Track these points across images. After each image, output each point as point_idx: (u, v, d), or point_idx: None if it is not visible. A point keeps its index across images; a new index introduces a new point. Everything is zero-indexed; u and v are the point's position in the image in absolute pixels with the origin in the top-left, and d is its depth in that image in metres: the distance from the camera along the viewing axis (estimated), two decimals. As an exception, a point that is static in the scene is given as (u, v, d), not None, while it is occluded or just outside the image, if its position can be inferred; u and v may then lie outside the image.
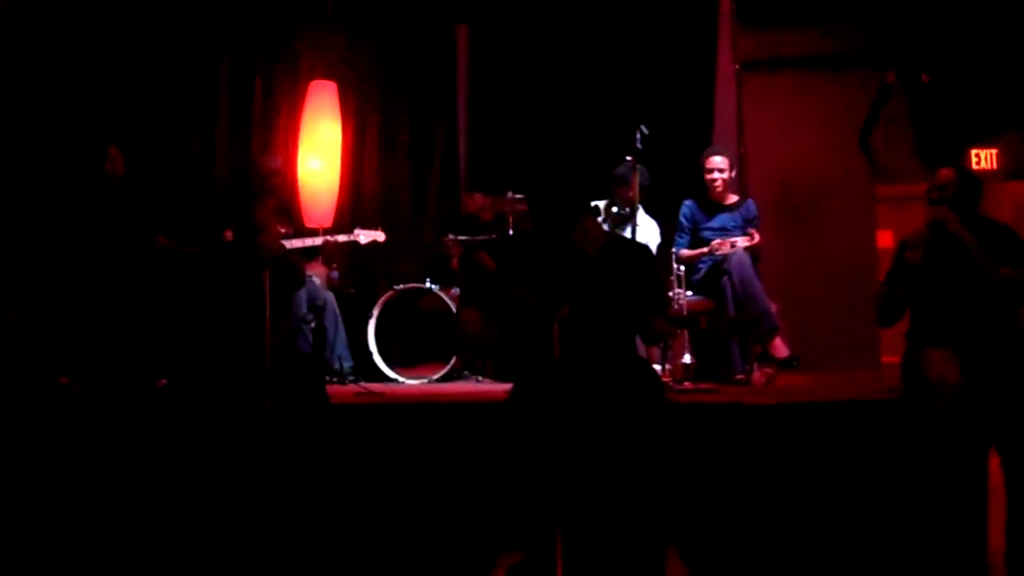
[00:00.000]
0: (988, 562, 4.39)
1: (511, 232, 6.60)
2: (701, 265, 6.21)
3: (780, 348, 5.99)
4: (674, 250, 6.26)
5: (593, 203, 6.36)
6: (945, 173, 4.74)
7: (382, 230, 6.56)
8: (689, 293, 6.08)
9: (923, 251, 4.54)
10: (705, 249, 6.15)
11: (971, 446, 4.39)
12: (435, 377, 6.47)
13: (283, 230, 5.76)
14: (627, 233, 6.08)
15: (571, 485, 4.11)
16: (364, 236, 6.46)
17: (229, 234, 5.57)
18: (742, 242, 6.05)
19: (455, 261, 6.60)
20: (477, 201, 6.90)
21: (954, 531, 4.32)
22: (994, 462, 4.40)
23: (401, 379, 6.51)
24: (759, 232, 6.22)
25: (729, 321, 5.78)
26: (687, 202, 6.37)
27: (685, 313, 5.84)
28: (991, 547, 4.41)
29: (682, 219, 6.35)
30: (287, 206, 6.68)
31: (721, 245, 6.06)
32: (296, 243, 6.24)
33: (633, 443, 4.12)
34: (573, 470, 4.14)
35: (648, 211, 6.55)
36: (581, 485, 4.24)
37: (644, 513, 4.16)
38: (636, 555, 4.15)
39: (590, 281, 4.35)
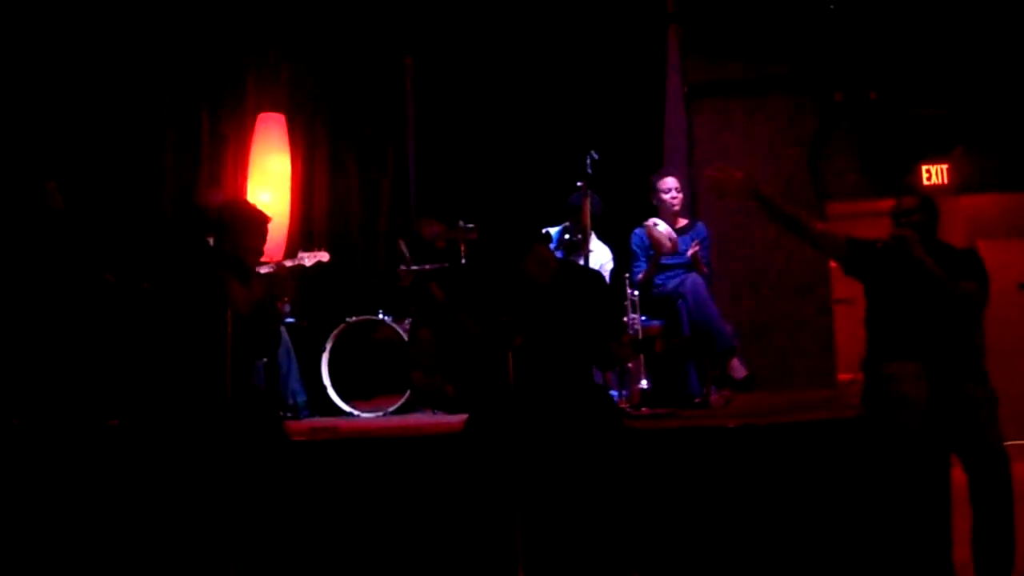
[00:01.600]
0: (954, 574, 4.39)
1: (463, 261, 6.54)
2: (656, 289, 6.18)
3: (737, 369, 5.97)
4: (633, 277, 6.21)
5: (545, 230, 6.40)
6: (910, 200, 4.73)
7: (326, 251, 6.44)
8: (644, 317, 6.04)
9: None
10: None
11: (936, 459, 4.40)
12: (390, 410, 6.40)
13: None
14: (580, 260, 6.04)
15: (530, 514, 4.08)
16: (308, 259, 6.32)
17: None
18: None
19: (410, 292, 6.56)
20: (432, 228, 6.83)
21: (920, 545, 4.32)
22: (957, 475, 4.41)
23: (356, 412, 6.43)
24: (710, 253, 6.24)
25: (685, 343, 5.79)
26: (637, 230, 6.34)
27: (640, 337, 5.82)
28: (956, 560, 4.41)
29: (634, 248, 6.32)
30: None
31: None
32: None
33: (591, 471, 4.09)
34: (531, 499, 4.11)
35: (601, 237, 6.53)
36: (540, 514, 4.21)
37: (605, 540, 4.13)
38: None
39: (543, 309, 4.33)
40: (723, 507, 4.65)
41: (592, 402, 4.34)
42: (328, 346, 6.52)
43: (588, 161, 5.97)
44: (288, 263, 6.30)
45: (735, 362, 5.97)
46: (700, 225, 6.41)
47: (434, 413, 6.22)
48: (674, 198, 6.25)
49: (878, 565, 4.46)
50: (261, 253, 4.86)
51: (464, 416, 4.45)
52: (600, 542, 4.12)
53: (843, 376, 7.36)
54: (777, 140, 7.91)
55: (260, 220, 4.80)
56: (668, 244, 6.00)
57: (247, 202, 5.10)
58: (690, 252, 6.07)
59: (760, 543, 4.61)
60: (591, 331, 4.30)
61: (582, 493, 4.12)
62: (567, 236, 6.32)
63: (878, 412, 4.47)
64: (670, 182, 6.28)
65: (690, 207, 6.98)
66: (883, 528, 4.46)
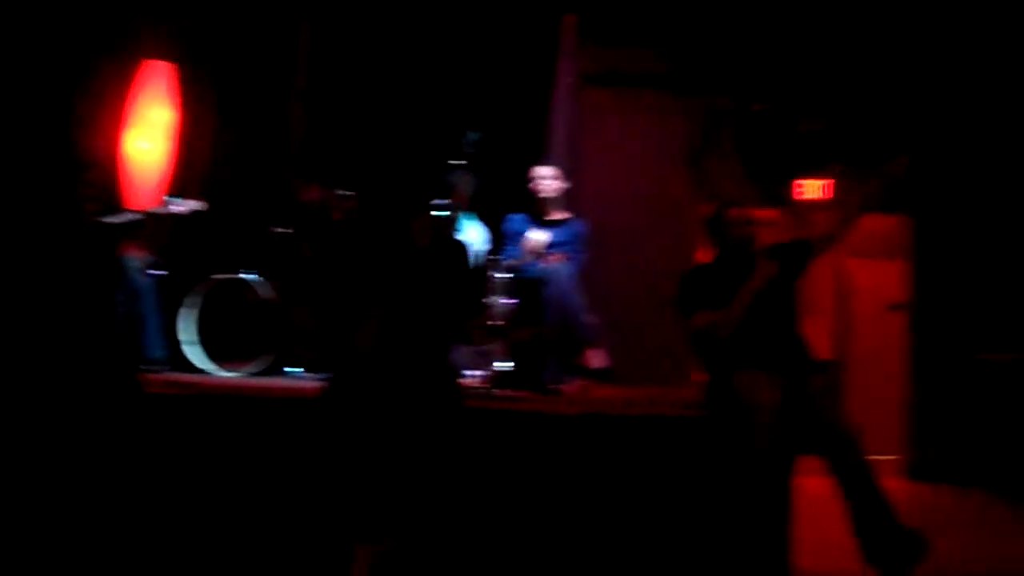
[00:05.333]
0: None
1: (339, 226, 6.51)
2: (522, 275, 6.24)
3: (595, 360, 6.07)
4: (504, 261, 6.26)
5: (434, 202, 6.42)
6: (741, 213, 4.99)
7: (204, 201, 6.34)
8: (509, 302, 6.10)
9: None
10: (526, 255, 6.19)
11: (781, 465, 4.53)
12: (251, 370, 6.36)
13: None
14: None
15: (376, 483, 4.11)
16: (182, 206, 6.20)
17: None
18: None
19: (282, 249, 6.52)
20: (311, 192, 6.80)
21: (762, 550, 4.41)
22: (808, 483, 4.54)
23: (216, 370, 6.37)
24: (585, 248, 6.31)
25: (546, 332, 5.89)
26: (514, 216, 6.39)
27: (504, 322, 5.89)
28: (799, 567, 4.53)
29: (509, 232, 6.37)
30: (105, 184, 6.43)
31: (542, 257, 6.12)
32: (114, 219, 6.01)
33: (416, 442, 4.13)
34: (376, 468, 4.15)
35: (477, 217, 6.57)
36: (384, 483, 4.24)
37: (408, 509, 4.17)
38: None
39: (413, 274, 4.36)
40: (548, 491, 4.70)
41: (437, 375, 4.39)
42: (192, 302, 6.44)
43: (467, 141, 6.00)
44: (159, 210, 6.16)
45: (592, 352, 6.06)
46: (577, 221, 6.47)
47: (297, 376, 6.21)
48: (548, 186, 6.31)
49: (713, 566, 4.57)
50: (94, 200, 4.77)
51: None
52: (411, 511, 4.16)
53: (697, 376, 7.50)
54: (663, 138, 8.01)
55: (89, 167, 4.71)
56: (527, 254, 6.10)
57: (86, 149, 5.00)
58: (550, 260, 6.14)
59: (586, 531, 4.67)
60: (451, 300, 4.36)
61: (411, 466, 4.15)
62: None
63: (727, 415, 4.57)
64: (546, 170, 6.35)
65: (571, 197, 7.02)
66: (714, 529, 4.56)
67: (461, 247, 4.70)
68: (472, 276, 4.57)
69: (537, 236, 6.15)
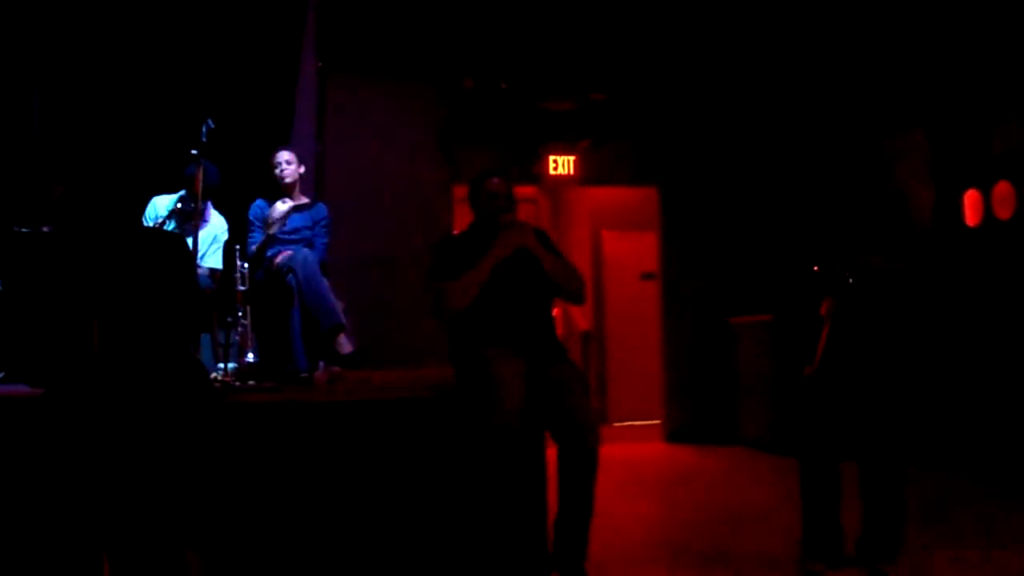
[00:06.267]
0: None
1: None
2: (265, 263, 6.14)
3: (344, 345, 6.01)
4: (249, 248, 6.14)
5: (160, 197, 6.22)
6: (499, 182, 4.84)
7: None
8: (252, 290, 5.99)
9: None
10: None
11: (532, 440, 4.55)
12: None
13: None
14: (195, 229, 5.92)
15: (109, 490, 3.95)
16: None
17: None
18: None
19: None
20: (58, 190, 6.50)
21: (516, 526, 4.44)
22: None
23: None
24: (332, 232, 6.27)
25: (293, 319, 5.83)
26: (257, 201, 6.28)
27: (248, 310, 5.79)
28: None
29: (252, 218, 6.25)
30: None
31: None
32: None
33: (168, 446, 4.00)
34: (109, 475, 3.98)
35: (218, 207, 6.43)
36: (118, 489, 4.08)
37: (171, 517, 4.05)
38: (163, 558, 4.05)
39: (126, 275, 4.19)
40: (310, 483, 4.64)
41: (177, 374, 4.25)
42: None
43: (204, 130, 5.83)
44: None
45: (342, 338, 6.01)
46: (320, 205, 6.40)
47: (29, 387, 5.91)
48: (283, 171, 6.21)
49: (470, 546, 4.59)
50: None
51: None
52: (160, 518, 4.03)
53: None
54: (410, 121, 8.07)
55: None
56: (271, 223, 6.02)
57: None
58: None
59: (340, 523, 4.64)
60: (168, 296, 4.21)
61: (157, 469, 4.02)
62: (180, 205, 6.18)
63: (476, 393, 4.49)
64: (282, 155, 6.25)
65: (315, 184, 6.96)
66: (474, 509, 4.56)
67: (175, 238, 4.56)
68: (184, 267, 4.39)
69: (280, 206, 6.06)
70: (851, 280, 4.55)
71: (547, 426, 4.51)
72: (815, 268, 4.69)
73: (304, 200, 6.35)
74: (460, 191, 8.15)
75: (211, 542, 4.39)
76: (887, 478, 4.57)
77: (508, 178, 4.91)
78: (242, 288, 5.90)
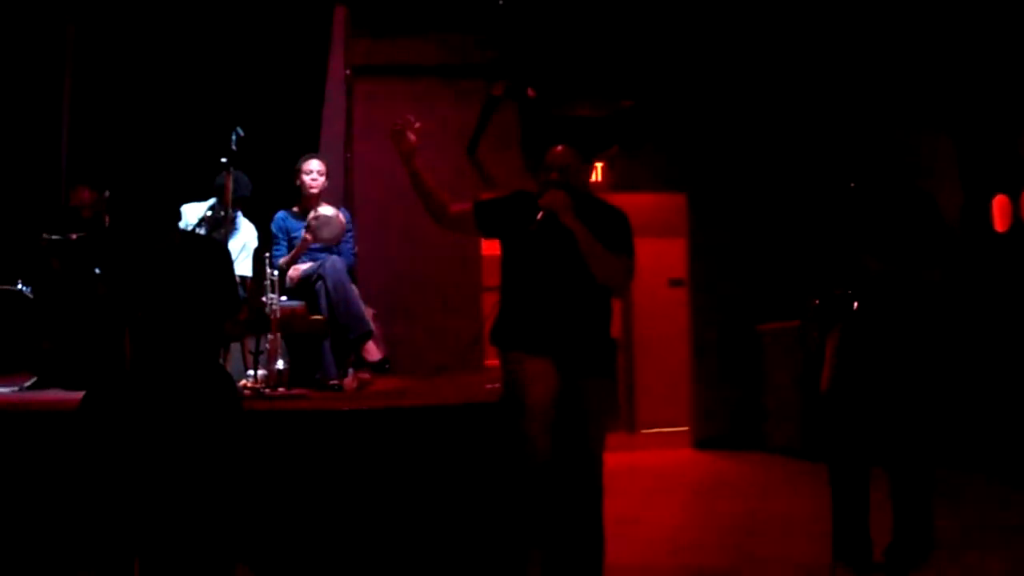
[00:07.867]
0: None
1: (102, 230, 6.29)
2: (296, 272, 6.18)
3: (373, 352, 6.05)
4: (274, 260, 6.15)
5: (190, 205, 6.26)
6: (561, 151, 4.31)
7: None
8: (284, 298, 6.03)
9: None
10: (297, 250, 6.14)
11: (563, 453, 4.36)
12: (26, 385, 6.08)
13: None
14: (230, 237, 5.98)
15: (143, 499, 3.98)
16: None
17: None
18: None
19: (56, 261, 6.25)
20: (82, 196, 6.55)
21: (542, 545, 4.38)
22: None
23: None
24: (358, 239, 6.30)
25: (322, 326, 5.86)
26: (280, 213, 6.31)
27: (278, 317, 5.83)
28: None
29: (275, 230, 6.29)
30: None
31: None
32: None
33: (198, 456, 4.00)
34: (144, 483, 4.01)
35: (249, 216, 6.46)
36: (153, 499, 4.11)
37: (209, 530, 4.05)
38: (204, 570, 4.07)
39: (164, 281, 4.23)
40: (344, 491, 4.63)
41: (207, 383, 4.27)
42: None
43: (233, 138, 5.87)
44: None
45: (370, 345, 6.04)
46: (343, 211, 6.41)
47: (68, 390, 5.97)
48: (314, 180, 6.23)
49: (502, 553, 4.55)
50: None
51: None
52: (203, 532, 4.04)
53: (490, 362, 7.59)
54: (440, 127, 8.05)
55: None
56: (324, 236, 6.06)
57: None
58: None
59: (376, 531, 4.63)
60: (205, 303, 4.24)
61: (187, 479, 4.03)
62: (210, 213, 6.22)
63: (507, 400, 4.24)
64: (312, 164, 6.27)
65: (344, 192, 6.99)
66: (500, 518, 4.48)
67: (215, 245, 4.60)
68: (225, 273, 4.41)
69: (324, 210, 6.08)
70: (856, 304, 4.52)
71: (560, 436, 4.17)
72: (815, 302, 4.67)
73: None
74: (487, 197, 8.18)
75: (260, 555, 4.40)
76: (912, 486, 4.54)
77: (577, 150, 4.39)
78: (272, 296, 5.94)
